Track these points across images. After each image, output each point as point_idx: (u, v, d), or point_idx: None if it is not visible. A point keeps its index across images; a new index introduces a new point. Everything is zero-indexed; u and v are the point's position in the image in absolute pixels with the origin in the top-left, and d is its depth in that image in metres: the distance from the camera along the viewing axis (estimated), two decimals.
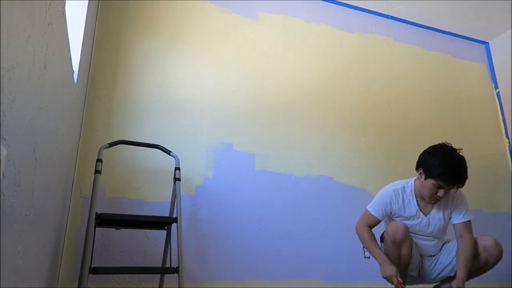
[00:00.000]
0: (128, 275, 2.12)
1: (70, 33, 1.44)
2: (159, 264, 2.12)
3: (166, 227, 2.06)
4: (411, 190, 2.00)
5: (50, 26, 1.04)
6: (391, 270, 1.80)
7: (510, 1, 3.32)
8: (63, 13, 1.24)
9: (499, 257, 1.89)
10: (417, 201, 1.99)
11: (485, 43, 3.96)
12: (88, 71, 2.35)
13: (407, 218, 1.98)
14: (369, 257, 2.67)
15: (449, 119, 3.46)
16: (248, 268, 2.39)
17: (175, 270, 1.76)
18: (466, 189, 3.19)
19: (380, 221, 2.00)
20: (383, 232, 2.00)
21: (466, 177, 1.84)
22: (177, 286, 1.78)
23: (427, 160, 1.91)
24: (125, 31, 2.56)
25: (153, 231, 2.21)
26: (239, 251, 2.40)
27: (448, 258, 1.99)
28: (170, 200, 2.24)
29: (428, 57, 3.61)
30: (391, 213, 1.99)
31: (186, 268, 2.21)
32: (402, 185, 2.03)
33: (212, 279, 2.28)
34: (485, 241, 1.91)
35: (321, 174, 2.80)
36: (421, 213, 1.98)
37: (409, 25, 3.63)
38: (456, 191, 1.97)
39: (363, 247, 2.67)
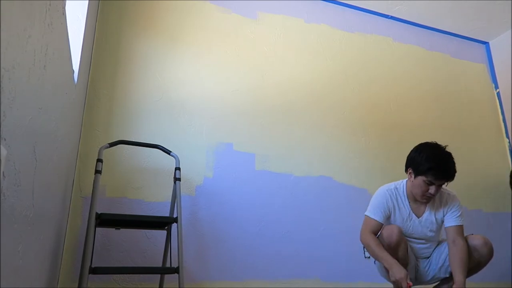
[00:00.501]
0: (128, 275, 2.12)
1: (70, 33, 1.44)
2: (159, 264, 2.12)
3: (166, 227, 2.07)
4: (403, 191, 1.99)
5: (50, 26, 1.04)
6: (401, 272, 1.73)
7: (510, 1, 3.31)
8: (63, 13, 1.24)
9: (489, 255, 1.88)
10: (409, 202, 1.98)
11: (485, 43, 3.96)
12: (88, 71, 2.35)
13: (400, 220, 1.97)
14: (369, 257, 2.67)
15: (449, 119, 3.46)
16: (248, 268, 2.39)
17: (175, 270, 1.76)
18: (467, 189, 3.21)
19: (382, 224, 1.95)
20: (377, 237, 1.98)
21: (455, 171, 1.85)
22: (177, 286, 1.78)
23: (414, 158, 1.92)
24: (125, 31, 2.56)
25: (153, 231, 2.21)
26: (239, 251, 2.40)
27: (440, 259, 1.98)
28: (170, 200, 2.24)
29: (428, 57, 3.61)
30: (389, 212, 1.97)
31: (186, 268, 2.21)
32: (395, 186, 2.02)
33: (212, 279, 2.28)
34: (474, 241, 1.90)
35: (321, 174, 2.79)
36: (414, 215, 1.97)
37: (409, 25, 3.63)
38: (448, 189, 1.98)
39: (363, 248, 2.67)
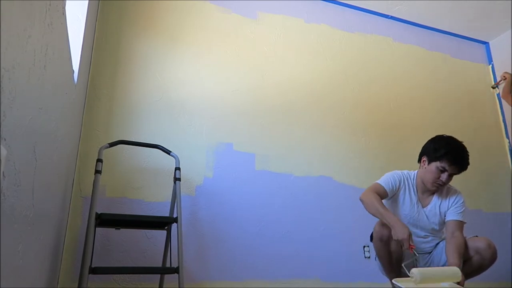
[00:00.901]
0: (128, 275, 2.12)
1: (70, 33, 1.44)
2: (159, 264, 2.12)
3: (166, 227, 2.07)
4: (413, 180, 2.04)
5: (50, 26, 1.04)
6: (404, 232, 1.67)
7: (510, 1, 3.31)
8: (63, 13, 1.24)
9: (492, 259, 1.84)
10: (416, 191, 2.03)
11: (485, 43, 3.96)
12: (88, 71, 2.35)
13: (409, 202, 1.98)
14: (369, 257, 2.67)
15: (449, 119, 3.46)
16: (248, 268, 2.38)
17: (175, 270, 1.76)
18: (467, 189, 3.20)
19: (387, 194, 1.96)
20: (372, 232, 1.98)
21: (468, 161, 1.90)
22: (177, 286, 1.78)
23: (430, 147, 1.98)
24: (125, 31, 2.56)
25: (153, 231, 2.21)
26: (239, 251, 2.40)
27: (441, 259, 1.98)
28: (170, 200, 2.24)
29: (428, 57, 3.61)
30: (397, 189, 1.99)
31: (186, 268, 2.21)
32: (407, 172, 2.08)
33: (212, 279, 2.28)
34: (477, 243, 1.86)
35: (321, 174, 2.79)
36: (420, 204, 2.00)
37: (409, 25, 3.63)
38: (457, 193, 1.99)
39: (363, 247, 2.68)
